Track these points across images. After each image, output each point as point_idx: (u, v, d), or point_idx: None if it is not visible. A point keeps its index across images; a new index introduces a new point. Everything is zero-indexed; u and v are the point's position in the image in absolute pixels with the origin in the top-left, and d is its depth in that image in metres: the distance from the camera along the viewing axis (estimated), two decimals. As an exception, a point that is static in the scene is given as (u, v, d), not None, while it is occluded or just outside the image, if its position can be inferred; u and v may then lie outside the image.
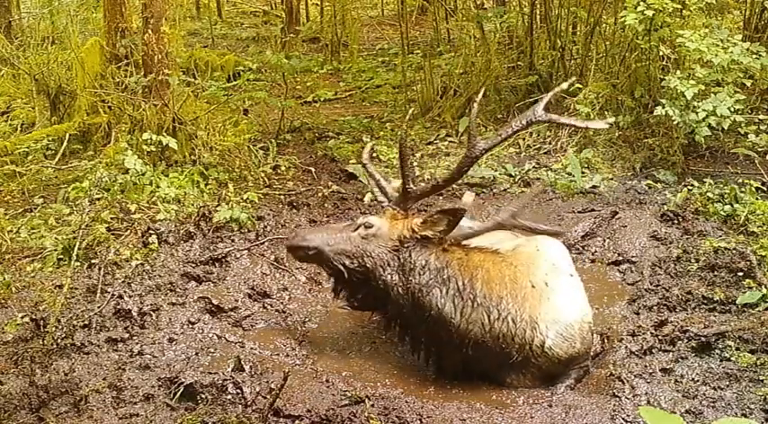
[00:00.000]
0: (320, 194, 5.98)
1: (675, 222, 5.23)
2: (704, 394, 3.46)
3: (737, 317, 4.04)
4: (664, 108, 5.87)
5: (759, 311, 4.06)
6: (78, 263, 4.73)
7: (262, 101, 7.76)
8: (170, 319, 4.29)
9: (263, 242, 5.17)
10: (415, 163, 6.72)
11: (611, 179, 6.21)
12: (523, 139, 7.04)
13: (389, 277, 3.78)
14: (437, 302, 3.69)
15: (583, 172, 6.27)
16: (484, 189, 6.19)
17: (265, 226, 5.40)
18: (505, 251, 3.87)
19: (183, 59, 8.24)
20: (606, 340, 4.07)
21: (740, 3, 7.59)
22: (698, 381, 3.57)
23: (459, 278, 3.70)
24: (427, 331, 3.76)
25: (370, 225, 3.83)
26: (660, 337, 3.92)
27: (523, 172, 6.32)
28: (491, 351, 3.66)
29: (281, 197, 6.01)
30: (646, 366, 3.70)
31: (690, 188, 5.60)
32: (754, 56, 5.96)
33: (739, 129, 6.15)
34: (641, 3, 6.00)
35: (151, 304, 4.36)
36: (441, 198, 5.97)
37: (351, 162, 6.59)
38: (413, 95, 8.11)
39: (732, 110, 5.77)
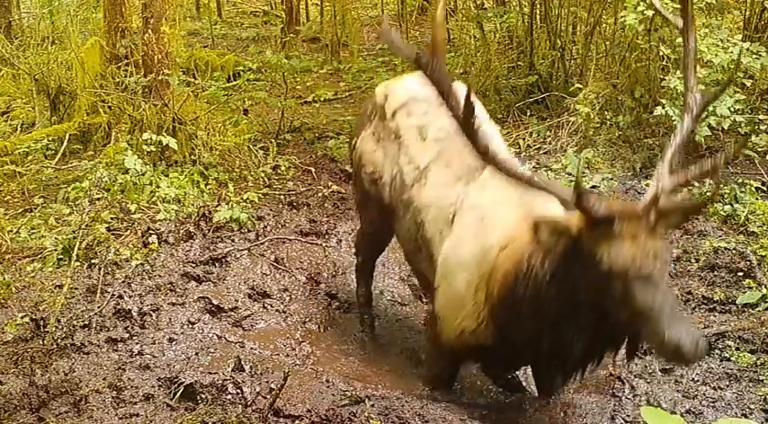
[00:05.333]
0: (320, 194, 5.98)
1: (675, 222, 5.22)
2: (704, 394, 3.47)
3: (737, 317, 4.05)
4: (664, 108, 5.86)
5: (759, 311, 4.06)
6: (78, 263, 4.73)
7: (262, 101, 7.75)
8: (170, 319, 4.29)
9: (263, 242, 5.17)
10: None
11: (611, 179, 6.20)
12: (523, 139, 7.03)
13: None
14: None
15: (583, 172, 6.26)
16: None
17: (265, 226, 5.40)
18: None
19: (183, 59, 8.23)
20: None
21: (740, 3, 7.58)
22: (698, 381, 3.58)
23: None
24: None
25: None
26: (660, 337, 3.91)
27: (523, 172, 6.31)
28: None
29: (281, 197, 6.02)
30: (646, 366, 3.70)
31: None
32: (754, 56, 5.96)
33: (739, 129, 6.14)
34: (641, 3, 6.00)
35: (151, 304, 4.37)
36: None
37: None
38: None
39: (732, 110, 5.77)
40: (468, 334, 3.21)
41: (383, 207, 3.85)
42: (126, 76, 6.59)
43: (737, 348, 3.75)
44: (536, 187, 2.88)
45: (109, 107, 6.74)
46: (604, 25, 7.72)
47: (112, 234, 5.09)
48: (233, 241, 5.14)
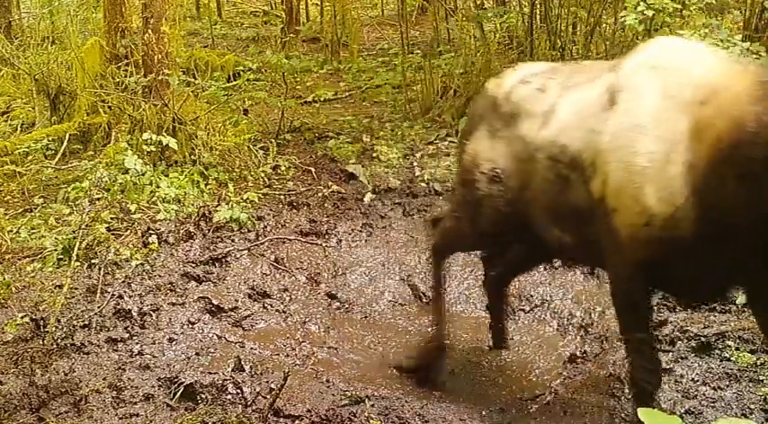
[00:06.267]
0: (320, 194, 5.98)
1: (675, 222, 5.21)
2: (704, 394, 3.46)
3: (737, 317, 4.04)
4: (664, 108, 5.85)
5: (759, 311, 4.06)
6: (78, 263, 4.73)
7: (262, 101, 7.75)
8: (170, 319, 4.29)
9: (263, 242, 5.18)
10: (415, 163, 6.72)
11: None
12: (523, 139, 7.03)
13: None
14: None
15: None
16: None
17: (265, 226, 5.40)
18: None
19: (183, 59, 8.23)
20: (606, 341, 4.07)
21: (740, 3, 7.59)
22: (698, 381, 3.58)
23: None
24: None
25: None
26: (660, 337, 3.92)
27: (523, 172, 6.31)
28: None
29: (281, 197, 6.01)
30: (645, 366, 3.70)
31: None
32: (754, 56, 5.96)
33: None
34: (641, 3, 6.00)
35: (151, 304, 4.37)
36: (440, 197, 5.98)
37: (351, 162, 6.59)
38: (413, 95, 8.11)
39: (732, 110, 5.76)
40: (659, 222, 2.62)
41: (506, 202, 3.44)
42: (126, 76, 6.59)
43: (737, 348, 3.75)
44: None
45: (109, 107, 6.74)
46: (604, 25, 7.72)
47: (112, 234, 5.10)
48: (233, 241, 5.14)
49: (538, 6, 7.91)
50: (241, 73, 8.18)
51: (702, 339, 3.82)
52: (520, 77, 3.51)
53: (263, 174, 6.37)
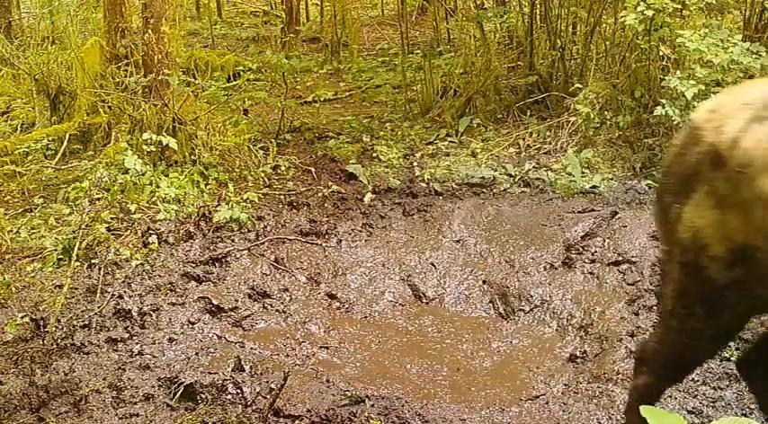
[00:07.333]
0: (320, 194, 5.98)
1: (675, 222, 5.20)
2: (704, 394, 3.47)
3: (737, 317, 4.04)
4: (664, 108, 5.86)
5: (759, 311, 4.06)
6: (78, 263, 4.73)
7: (262, 101, 7.76)
8: (170, 319, 4.29)
9: (263, 242, 5.18)
10: (415, 163, 6.73)
11: (611, 179, 6.21)
12: (523, 139, 7.03)
13: None
14: None
15: (583, 172, 6.26)
16: (484, 190, 6.19)
17: (265, 226, 5.40)
18: None
19: (183, 59, 8.23)
20: (606, 341, 4.07)
21: (740, 3, 7.59)
22: (698, 381, 3.58)
23: None
24: None
25: None
26: (660, 337, 3.92)
27: (523, 172, 6.32)
28: None
29: (281, 197, 6.02)
30: (646, 366, 3.70)
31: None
32: (754, 56, 5.96)
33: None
34: (641, 3, 6.00)
35: (151, 304, 4.37)
36: (441, 197, 5.99)
37: (351, 162, 6.59)
38: (413, 95, 8.11)
39: (732, 110, 5.75)
40: None
41: (757, 285, 2.59)
42: (126, 76, 6.59)
43: (737, 349, 3.75)
44: None
45: (109, 107, 6.74)
46: (604, 25, 7.72)
47: (112, 234, 5.10)
48: (233, 241, 5.14)
49: (538, 6, 7.91)
50: (241, 73, 8.18)
51: (702, 339, 3.82)
52: (750, 114, 2.53)
53: (263, 174, 6.37)
